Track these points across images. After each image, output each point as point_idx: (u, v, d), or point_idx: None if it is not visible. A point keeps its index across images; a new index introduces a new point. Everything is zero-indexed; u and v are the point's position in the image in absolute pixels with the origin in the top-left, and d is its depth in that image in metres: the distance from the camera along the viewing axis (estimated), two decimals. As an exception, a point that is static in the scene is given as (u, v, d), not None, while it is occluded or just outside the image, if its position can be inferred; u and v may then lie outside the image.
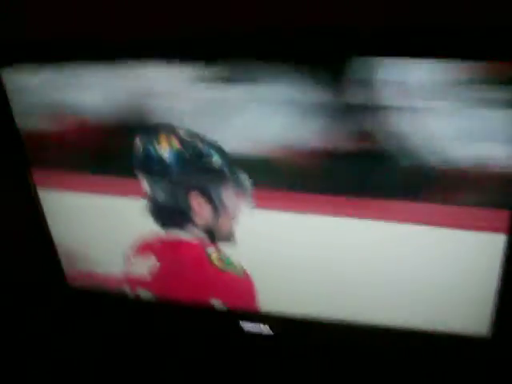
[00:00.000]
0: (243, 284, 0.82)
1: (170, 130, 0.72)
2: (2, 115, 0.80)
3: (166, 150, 0.73)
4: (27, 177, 0.85)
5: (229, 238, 0.78)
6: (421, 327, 0.77)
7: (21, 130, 0.81)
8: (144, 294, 0.89)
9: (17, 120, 0.80)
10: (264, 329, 0.88)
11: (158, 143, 0.73)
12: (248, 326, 0.89)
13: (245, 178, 0.72)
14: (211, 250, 0.80)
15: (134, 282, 0.89)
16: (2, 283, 1.07)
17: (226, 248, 0.80)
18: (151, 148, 0.74)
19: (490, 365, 0.81)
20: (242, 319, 0.88)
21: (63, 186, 0.85)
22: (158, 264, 0.85)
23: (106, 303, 0.97)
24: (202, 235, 0.80)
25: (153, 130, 0.73)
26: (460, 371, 0.83)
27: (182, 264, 0.84)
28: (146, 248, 0.85)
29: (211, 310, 0.87)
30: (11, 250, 1.03)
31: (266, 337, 0.89)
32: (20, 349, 1.04)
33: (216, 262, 0.80)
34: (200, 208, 0.76)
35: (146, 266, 0.86)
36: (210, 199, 0.75)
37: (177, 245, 0.82)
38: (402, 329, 0.78)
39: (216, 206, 0.76)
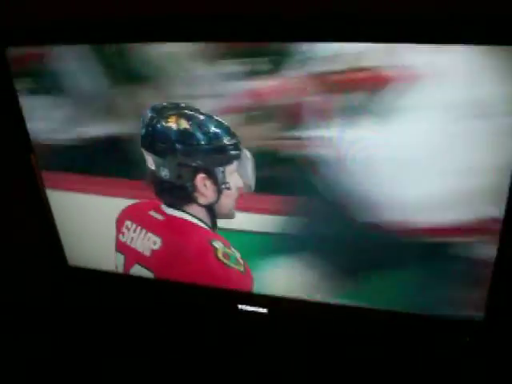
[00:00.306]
0: (242, 278, 0.84)
1: (179, 109, 0.74)
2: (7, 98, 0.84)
3: (174, 129, 0.74)
4: (33, 169, 0.90)
5: (229, 215, 0.80)
6: (415, 310, 0.80)
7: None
8: (140, 270, 0.90)
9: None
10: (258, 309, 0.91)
11: (167, 122, 0.74)
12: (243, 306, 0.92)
13: (249, 157, 0.74)
14: (218, 244, 0.81)
15: (132, 256, 0.89)
16: (11, 263, 1.10)
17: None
18: (160, 127, 0.74)
19: (483, 346, 0.84)
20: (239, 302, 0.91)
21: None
22: (158, 240, 0.85)
23: (104, 281, 0.98)
24: (204, 213, 0.81)
25: (162, 109, 0.74)
26: (454, 352, 0.86)
27: (185, 249, 0.84)
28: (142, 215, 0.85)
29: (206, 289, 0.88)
30: (20, 235, 1.06)
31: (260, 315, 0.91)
32: (22, 322, 1.07)
33: (221, 258, 0.81)
34: (205, 189, 0.78)
35: (144, 240, 0.86)
36: (215, 181, 0.77)
37: (182, 227, 0.83)
38: (395, 310, 0.81)
39: (220, 187, 0.78)
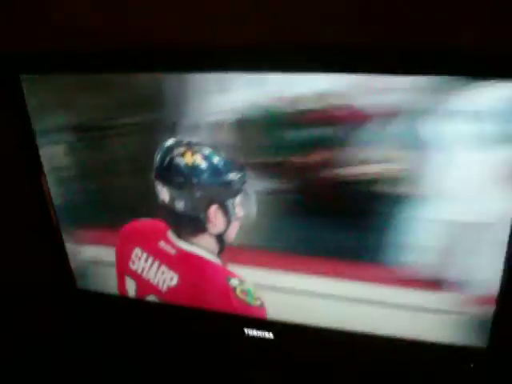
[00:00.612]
0: (257, 311, 0.86)
1: (192, 145, 0.77)
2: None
3: (190, 164, 0.77)
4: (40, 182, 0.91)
5: (233, 243, 0.83)
6: (421, 338, 0.81)
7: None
8: (156, 301, 0.91)
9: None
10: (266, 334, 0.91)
11: (183, 157, 0.77)
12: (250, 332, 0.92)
13: (252, 190, 0.78)
14: (235, 281, 0.83)
15: (146, 286, 0.90)
16: (15, 284, 1.10)
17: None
18: (176, 162, 0.78)
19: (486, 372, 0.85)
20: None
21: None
22: (175, 276, 0.86)
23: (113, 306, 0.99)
24: (213, 244, 0.84)
25: (177, 145, 0.78)
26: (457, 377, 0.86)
27: (205, 288, 0.86)
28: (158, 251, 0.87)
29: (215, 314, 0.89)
30: (25, 253, 1.07)
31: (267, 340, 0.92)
32: (25, 348, 1.07)
33: (240, 295, 0.83)
34: (216, 219, 0.81)
35: (159, 274, 0.88)
36: (226, 212, 0.80)
37: (196, 263, 0.85)
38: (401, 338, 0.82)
39: (230, 217, 0.81)
